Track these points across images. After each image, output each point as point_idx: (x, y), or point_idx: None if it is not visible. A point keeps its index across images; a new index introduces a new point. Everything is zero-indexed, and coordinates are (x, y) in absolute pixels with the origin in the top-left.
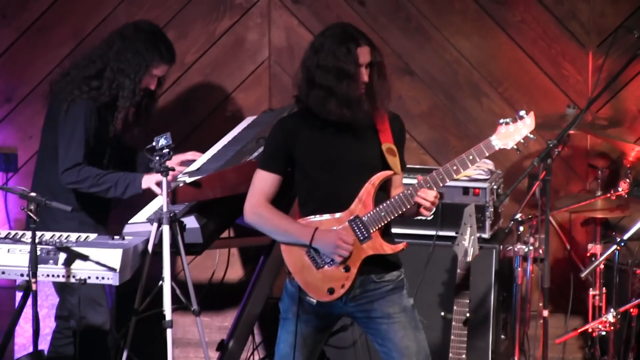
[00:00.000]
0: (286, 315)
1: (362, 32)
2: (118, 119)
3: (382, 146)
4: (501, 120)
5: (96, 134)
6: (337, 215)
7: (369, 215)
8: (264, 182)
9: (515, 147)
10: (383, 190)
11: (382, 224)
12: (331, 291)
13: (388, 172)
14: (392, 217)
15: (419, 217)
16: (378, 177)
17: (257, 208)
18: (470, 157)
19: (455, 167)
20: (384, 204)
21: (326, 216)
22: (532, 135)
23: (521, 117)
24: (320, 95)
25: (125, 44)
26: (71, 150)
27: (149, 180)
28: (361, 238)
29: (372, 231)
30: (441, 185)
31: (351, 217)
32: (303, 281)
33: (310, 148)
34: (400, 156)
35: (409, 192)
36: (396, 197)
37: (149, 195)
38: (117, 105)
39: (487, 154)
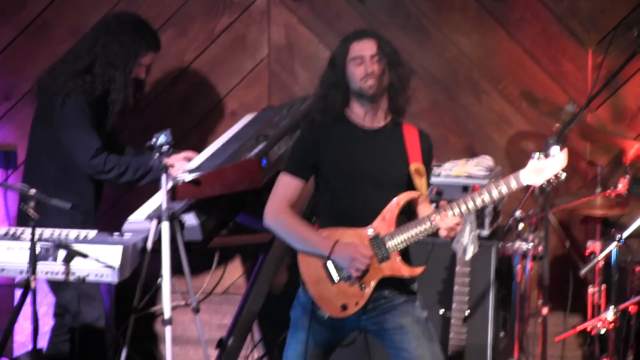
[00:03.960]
0: (297, 324)
1: (373, 31)
2: (114, 112)
3: (410, 166)
4: (533, 154)
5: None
6: (359, 230)
7: (390, 235)
8: (287, 186)
9: (544, 184)
10: (404, 210)
11: (403, 246)
12: (344, 307)
13: (414, 193)
14: (413, 240)
15: None
16: (404, 197)
17: (278, 213)
18: (499, 188)
19: (482, 197)
20: (407, 225)
21: (348, 230)
22: (563, 173)
23: (554, 154)
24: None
25: (110, 37)
26: (84, 138)
27: (172, 160)
28: (380, 258)
29: (391, 252)
30: (466, 212)
31: (372, 236)
32: (317, 294)
33: (336, 160)
34: (427, 174)
35: (433, 215)
36: (419, 220)
37: (149, 192)
38: (110, 99)
39: (514, 189)
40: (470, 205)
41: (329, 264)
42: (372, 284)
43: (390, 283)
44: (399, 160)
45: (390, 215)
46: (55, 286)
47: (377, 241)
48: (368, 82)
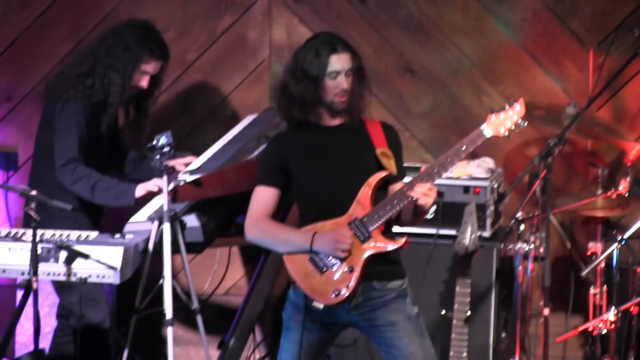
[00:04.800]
0: (289, 325)
1: (342, 40)
2: (110, 115)
3: (376, 150)
4: (492, 110)
5: (90, 133)
6: (337, 219)
7: (367, 215)
8: (262, 197)
9: (506, 133)
10: (381, 195)
11: (382, 222)
12: (337, 293)
13: (383, 172)
14: (390, 214)
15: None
16: (374, 178)
17: (256, 222)
18: (463, 148)
19: (449, 159)
20: (381, 203)
21: (326, 222)
22: (522, 122)
23: (511, 105)
24: (284, 100)
25: (116, 39)
26: (66, 146)
27: (143, 187)
28: (362, 238)
29: (371, 230)
30: (437, 178)
31: (350, 220)
32: (308, 287)
33: (305, 160)
34: (397, 163)
35: (405, 187)
36: (392, 194)
37: (150, 194)
38: (109, 101)
39: (479, 143)
40: (441, 170)
41: (314, 256)
42: (359, 264)
43: (377, 268)
44: (364, 147)
45: (364, 198)
46: (60, 289)
47: (355, 223)
48: (342, 98)
